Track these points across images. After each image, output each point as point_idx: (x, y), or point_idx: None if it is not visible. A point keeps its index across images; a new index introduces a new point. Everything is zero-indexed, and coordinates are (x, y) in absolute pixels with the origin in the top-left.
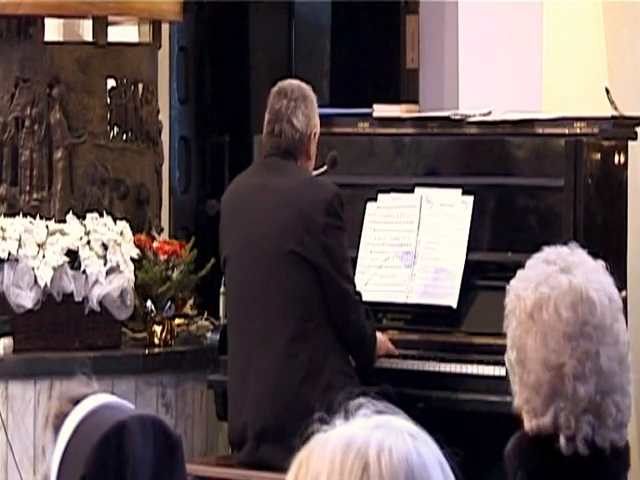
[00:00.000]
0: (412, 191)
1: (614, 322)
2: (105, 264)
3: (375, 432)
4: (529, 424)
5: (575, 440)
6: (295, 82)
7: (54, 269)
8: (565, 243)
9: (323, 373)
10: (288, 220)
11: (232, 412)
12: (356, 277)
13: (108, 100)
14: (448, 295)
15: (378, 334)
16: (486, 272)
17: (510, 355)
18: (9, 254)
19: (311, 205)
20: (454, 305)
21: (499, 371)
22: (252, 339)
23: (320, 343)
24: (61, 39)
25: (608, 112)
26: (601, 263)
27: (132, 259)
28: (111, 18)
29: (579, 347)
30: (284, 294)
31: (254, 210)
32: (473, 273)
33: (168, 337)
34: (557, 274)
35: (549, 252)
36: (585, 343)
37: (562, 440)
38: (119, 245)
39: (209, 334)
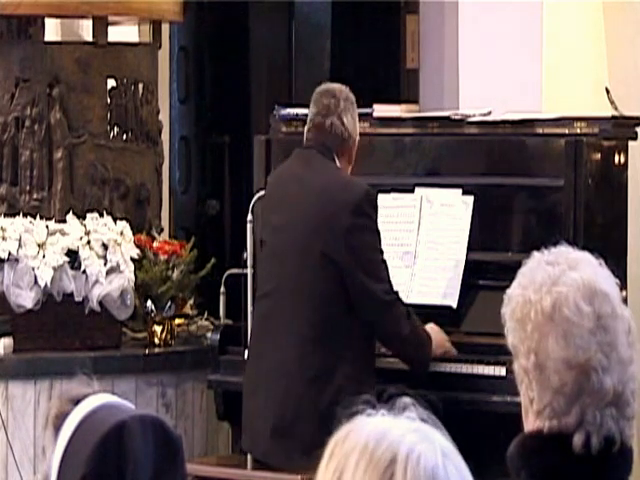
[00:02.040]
0: (412, 191)
1: (623, 310)
2: (105, 264)
3: (411, 434)
4: (548, 423)
5: (592, 437)
6: (344, 86)
7: (54, 269)
8: (555, 244)
9: (334, 377)
10: (317, 219)
11: (246, 411)
12: None
13: (108, 100)
14: (448, 295)
15: (432, 328)
16: (486, 272)
17: (524, 362)
18: (9, 254)
19: (338, 205)
20: (454, 305)
21: (499, 371)
22: (272, 330)
23: (335, 347)
24: (61, 39)
25: (608, 112)
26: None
27: (132, 259)
28: (111, 18)
29: (603, 340)
30: (306, 293)
31: (288, 203)
32: (473, 273)
33: (168, 337)
34: (566, 272)
35: (545, 255)
36: (607, 335)
37: (578, 437)
38: (119, 245)
39: (209, 334)
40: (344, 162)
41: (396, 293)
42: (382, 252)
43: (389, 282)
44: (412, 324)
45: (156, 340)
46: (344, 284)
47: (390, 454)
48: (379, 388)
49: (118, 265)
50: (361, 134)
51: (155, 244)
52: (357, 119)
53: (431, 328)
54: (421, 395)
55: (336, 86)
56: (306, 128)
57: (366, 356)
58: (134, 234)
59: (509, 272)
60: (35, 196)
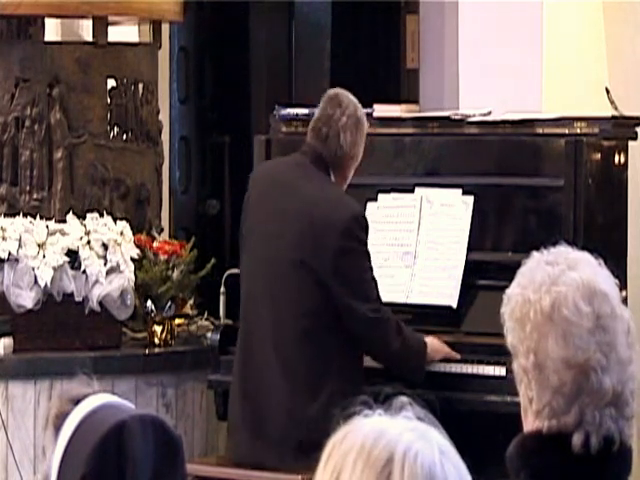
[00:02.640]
0: (412, 191)
1: (623, 311)
2: (105, 264)
3: (408, 433)
4: (548, 423)
5: (591, 436)
6: (354, 99)
7: (54, 269)
8: (555, 244)
9: (326, 380)
10: (304, 232)
11: (232, 411)
12: None
13: (108, 100)
14: (448, 295)
15: (431, 339)
16: (486, 272)
17: (524, 361)
18: (9, 254)
19: (327, 225)
20: (454, 305)
21: (499, 371)
22: (259, 337)
23: (325, 348)
24: (61, 39)
25: (608, 112)
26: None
27: (132, 259)
28: (111, 18)
29: (602, 340)
30: (293, 303)
31: (275, 210)
32: (473, 273)
33: (168, 337)
34: (566, 272)
35: (545, 255)
36: (606, 335)
37: (577, 437)
38: (119, 245)
39: (209, 334)
40: (338, 177)
41: (385, 310)
42: (371, 270)
43: (377, 300)
44: (403, 339)
45: (156, 340)
46: (329, 300)
47: (387, 453)
48: (376, 389)
49: (118, 265)
50: None
51: (155, 244)
52: (360, 140)
53: (431, 340)
54: (418, 395)
55: (345, 98)
56: (309, 127)
57: (356, 360)
58: (134, 234)
59: (509, 272)
60: (35, 196)
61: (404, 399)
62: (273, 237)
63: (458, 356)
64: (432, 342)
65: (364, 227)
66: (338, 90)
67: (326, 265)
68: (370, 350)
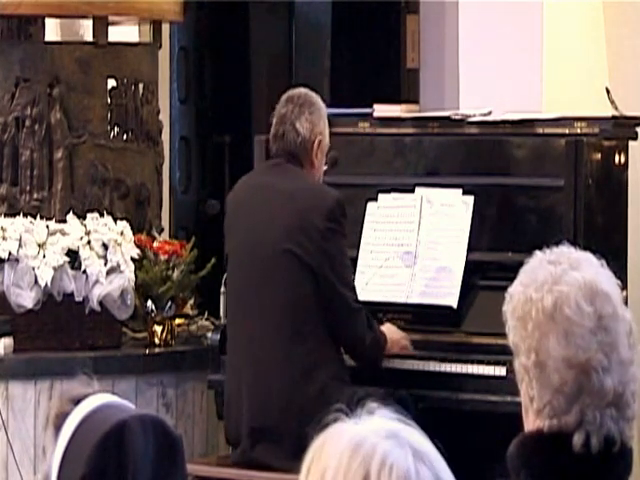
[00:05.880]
0: (412, 191)
1: (625, 312)
2: (105, 264)
3: (384, 442)
4: (548, 422)
5: (591, 437)
6: (304, 90)
7: (54, 269)
8: (557, 244)
9: (318, 376)
10: (288, 222)
11: (227, 411)
12: (356, 277)
13: (108, 100)
14: (448, 295)
15: (388, 327)
16: (486, 272)
17: (525, 360)
18: (9, 254)
19: (312, 210)
20: (454, 305)
21: (499, 371)
22: (250, 338)
23: (315, 345)
24: (61, 39)
25: (608, 112)
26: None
27: (132, 259)
28: (111, 18)
29: (604, 340)
30: (281, 294)
31: (255, 209)
32: (473, 273)
33: (168, 337)
34: (568, 272)
35: (548, 254)
36: (607, 335)
37: (578, 437)
38: (119, 245)
39: (209, 334)
40: (308, 167)
41: (359, 302)
42: (349, 259)
43: (355, 290)
44: (373, 332)
45: (156, 340)
46: (315, 281)
47: (363, 468)
48: (360, 393)
49: (118, 265)
50: (361, 134)
51: (155, 244)
52: (318, 121)
53: (387, 328)
54: (389, 393)
55: (296, 91)
56: (270, 136)
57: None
58: (134, 234)
59: (509, 272)
60: (35, 196)
61: (373, 404)
62: (257, 237)
63: (412, 349)
64: (391, 334)
65: (344, 211)
66: (290, 90)
67: (313, 248)
68: (346, 338)
